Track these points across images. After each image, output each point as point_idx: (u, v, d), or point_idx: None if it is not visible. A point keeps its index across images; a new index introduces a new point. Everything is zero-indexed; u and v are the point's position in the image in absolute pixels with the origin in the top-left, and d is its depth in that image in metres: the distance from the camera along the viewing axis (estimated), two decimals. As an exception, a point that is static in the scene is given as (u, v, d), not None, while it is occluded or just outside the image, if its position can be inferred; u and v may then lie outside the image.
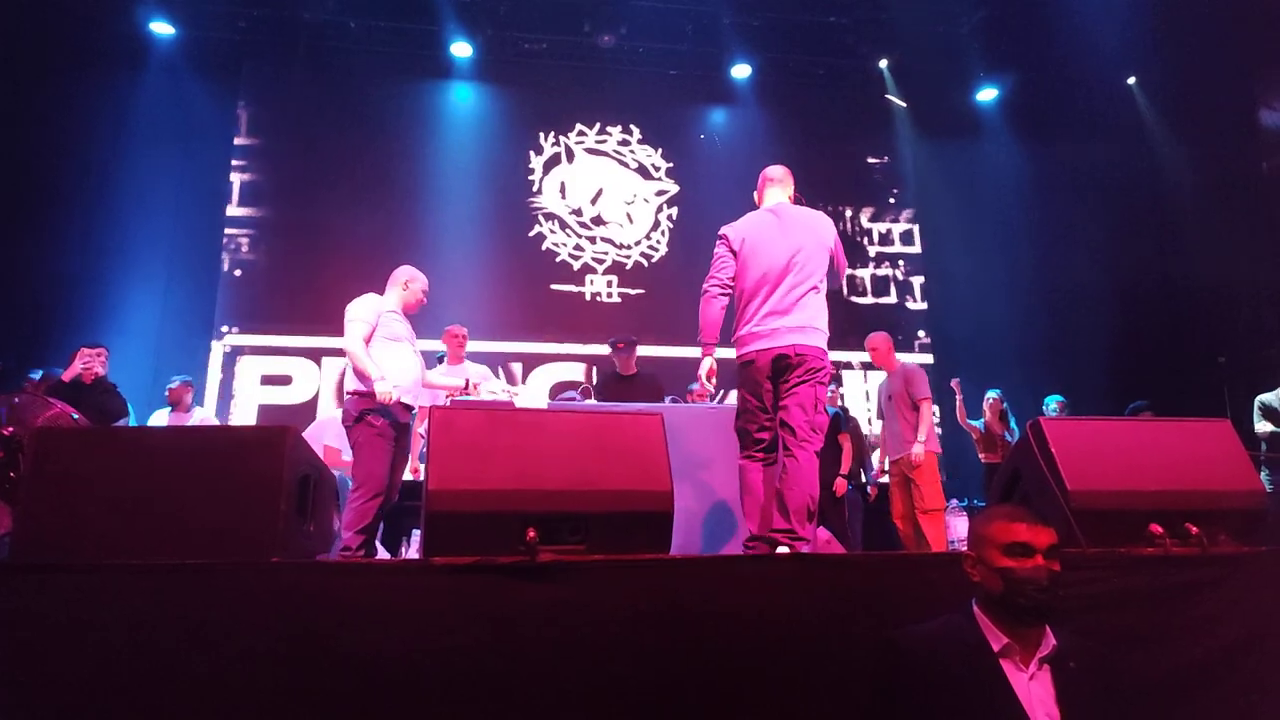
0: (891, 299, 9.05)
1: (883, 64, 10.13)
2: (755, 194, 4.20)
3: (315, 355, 7.85)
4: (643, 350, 8.26)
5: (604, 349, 8.22)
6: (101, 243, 8.27)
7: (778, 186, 4.06)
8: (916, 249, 9.36)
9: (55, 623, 2.27)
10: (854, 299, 8.95)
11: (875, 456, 7.40)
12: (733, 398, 4.05)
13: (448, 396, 5.66)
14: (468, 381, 5.45)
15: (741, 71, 9.71)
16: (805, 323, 3.68)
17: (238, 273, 8.09)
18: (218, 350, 7.82)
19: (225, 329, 7.87)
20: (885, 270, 9.10)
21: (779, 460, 3.70)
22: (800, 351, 3.63)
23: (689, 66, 9.73)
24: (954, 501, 6.29)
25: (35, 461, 2.59)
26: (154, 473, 2.55)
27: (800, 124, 9.72)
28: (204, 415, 7.23)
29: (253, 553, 2.45)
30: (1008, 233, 9.88)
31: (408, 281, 5.03)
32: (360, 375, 4.68)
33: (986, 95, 10.36)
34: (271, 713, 2.28)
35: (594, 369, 8.20)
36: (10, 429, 4.42)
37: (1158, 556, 2.78)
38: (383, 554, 5.76)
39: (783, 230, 3.85)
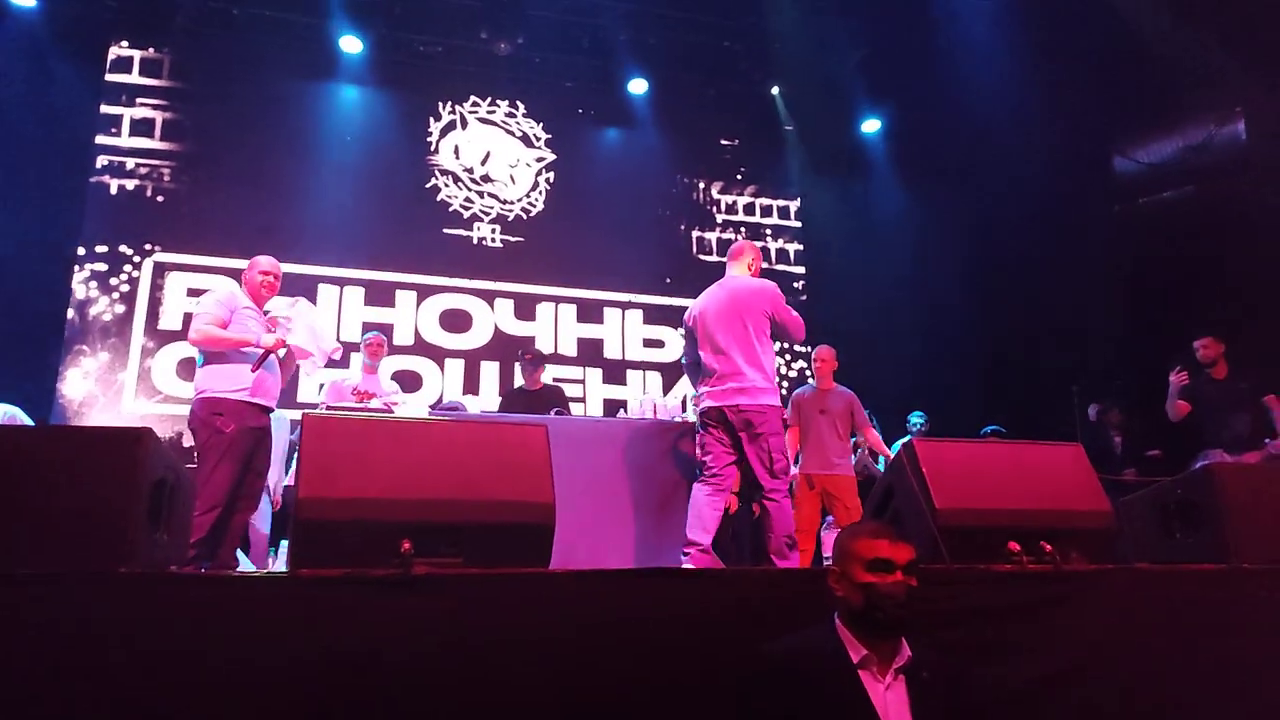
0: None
1: (774, 90, 10.16)
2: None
3: (236, 274, 7.84)
4: (519, 287, 9.22)
5: (487, 284, 9.11)
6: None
7: (734, 262, 4.54)
8: (757, 218, 10.32)
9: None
10: (701, 257, 9.96)
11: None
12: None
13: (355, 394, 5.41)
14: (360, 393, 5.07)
15: (637, 87, 9.69)
16: (747, 383, 4.15)
17: (160, 199, 8.34)
18: (148, 265, 8.14)
19: (149, 246, 8.15)
20: (730, 235, 10.08)
21: (763, 506, 4.15)
22: (741, 408, 4.11)
23: (584, 78, 9.72)
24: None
25: None
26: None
27: (688, 138, 10.17)
28: (10, 413, 6.01)
29: (100, 561, 2.15)
30: (888, 257, 9.80)
31: (250, 267, 4.48)
32: (225, 351, 4.10)
33: (870, 126, 10.30)
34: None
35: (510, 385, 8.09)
36: None
37: (1014, 573, 2.68)
38: (248, 565, 5.48)
39: (724, 301, 4.32)
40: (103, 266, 8.10)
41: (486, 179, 9.57)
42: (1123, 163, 8.33)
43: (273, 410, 4.34)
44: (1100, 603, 2.67)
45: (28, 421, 6.20)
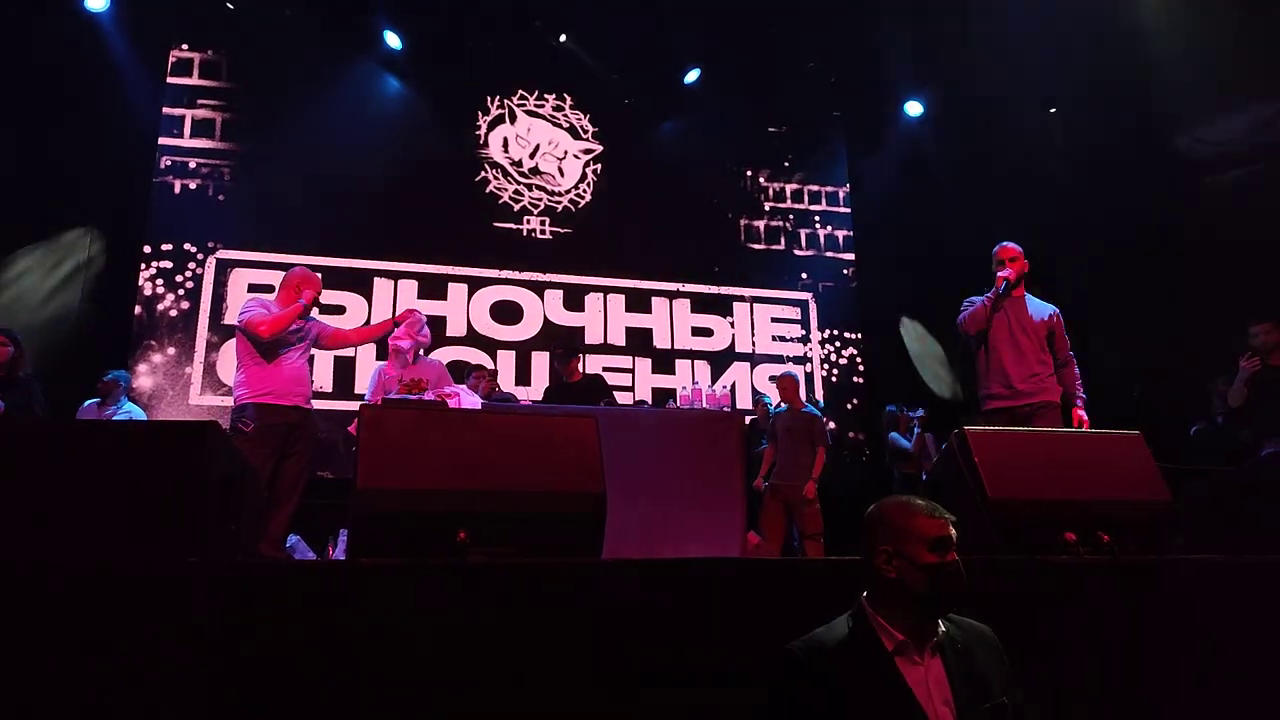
0: (781, 246, 10.11)
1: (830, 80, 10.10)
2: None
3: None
4: (568, 278, 9.28)
5: (537, 276, 9.22)
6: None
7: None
8: (805, 205, 10.27)
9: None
10: (750, 245, 9.96)
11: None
12: None
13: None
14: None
15: (686, 76, 9.71)
16: None
17: (221, 198, 8.58)
18: (211, 263, 8.41)
19: (212, 244, 8.41)
20: (778, 222, 10.13)
21: None
22: None
23: (630, 69, 9.72)
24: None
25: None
26: (65, 468, 2.27)
27: (734, 126, 10.17)
28: (128, 410, 6.45)
29: (172, 553, 2.19)
30: (940, 241, 9.55)
31: (299, 284, 4.71)
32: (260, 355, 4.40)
33: (920, 109, 10.09)
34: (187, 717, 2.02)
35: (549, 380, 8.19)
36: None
37: (1071, 563, 2.63)
38: (308, 554, 5.63)
39: None
40: (168, 264, 8.33)
41: (535, 172, 9.66)
42: (1188, 142, 8.02)
43: (301, 408, 4.45)
44: (1159, 594, 2.60)
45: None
